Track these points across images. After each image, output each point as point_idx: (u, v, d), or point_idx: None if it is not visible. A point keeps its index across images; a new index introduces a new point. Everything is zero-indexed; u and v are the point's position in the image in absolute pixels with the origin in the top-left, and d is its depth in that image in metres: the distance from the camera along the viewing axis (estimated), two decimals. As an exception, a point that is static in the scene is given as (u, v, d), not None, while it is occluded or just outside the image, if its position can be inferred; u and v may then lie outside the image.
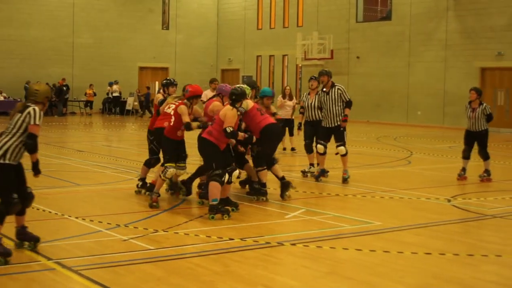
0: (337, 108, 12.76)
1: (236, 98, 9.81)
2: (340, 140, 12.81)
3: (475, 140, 13.67)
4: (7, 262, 6.79)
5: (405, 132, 27.59)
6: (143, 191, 11.19)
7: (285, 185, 10.92)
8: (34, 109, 7.19)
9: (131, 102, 37.57)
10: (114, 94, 36.96)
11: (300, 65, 37.53)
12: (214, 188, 9.27)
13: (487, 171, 13.65)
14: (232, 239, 8.08)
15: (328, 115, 12.83)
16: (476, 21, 29.43)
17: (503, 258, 7.52)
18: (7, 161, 7.04)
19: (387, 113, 32.87)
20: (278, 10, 39.47)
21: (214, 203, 9.23)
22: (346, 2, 35.24)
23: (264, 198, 10.74)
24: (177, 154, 10.24)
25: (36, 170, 7.31)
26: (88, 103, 36.99)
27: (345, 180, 12.69)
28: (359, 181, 11.40)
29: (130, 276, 6.54)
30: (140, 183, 11.33)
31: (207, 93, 15.66)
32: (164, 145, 10.34)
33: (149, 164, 11.35)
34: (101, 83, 37.80)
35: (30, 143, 7.11)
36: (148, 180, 11.32)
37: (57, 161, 15.86)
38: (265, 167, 10.77)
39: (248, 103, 10.64)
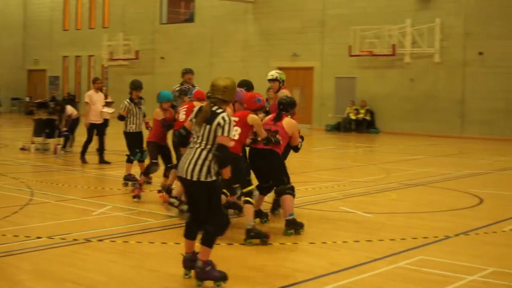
0: None
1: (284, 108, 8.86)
2: None
3: None
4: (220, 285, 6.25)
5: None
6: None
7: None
8: (223, 119, 6.17)
9: None
10: None
11: (106, 65, 37.42)
12: (290, 202, 8.64)
13: None
14: (40, 238, 8.12)
15: None
16: (272, 24, 31.04)
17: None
18: (213, 178, 6.19)
19: (192, 112, 33.56)
20: (84, 11, 39.16)
21: (291, 217, 8.58)
22: (151, 4, 35.64)
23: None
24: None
25: (231, 190, 6.51)
26: None
27: None
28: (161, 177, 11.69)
29: None
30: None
31: (91, 94, 15.49)
32: (237, 166, 8.09)
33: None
34: None
35: (220, 156, 6.13)
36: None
37: None
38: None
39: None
